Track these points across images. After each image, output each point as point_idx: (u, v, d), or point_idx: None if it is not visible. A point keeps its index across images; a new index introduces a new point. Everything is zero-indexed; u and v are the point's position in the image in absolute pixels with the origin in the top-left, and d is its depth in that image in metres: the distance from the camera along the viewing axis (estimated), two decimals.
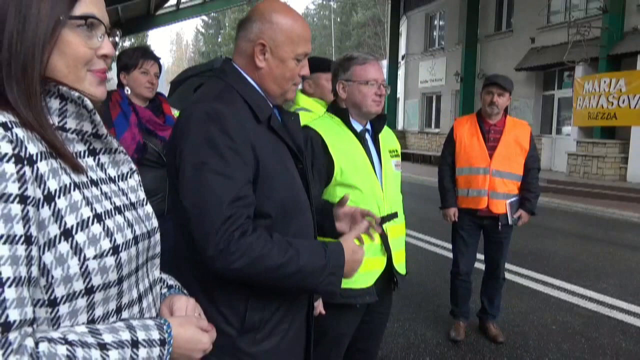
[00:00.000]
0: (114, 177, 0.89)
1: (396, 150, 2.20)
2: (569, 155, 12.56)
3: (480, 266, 3.71)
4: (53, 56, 0.78)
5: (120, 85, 2.52)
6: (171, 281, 1.07)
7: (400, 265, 2.11)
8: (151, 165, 2.44)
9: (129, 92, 2.50)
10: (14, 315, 0.65)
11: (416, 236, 6.54)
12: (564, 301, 4.38)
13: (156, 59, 2.58)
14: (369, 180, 2.00)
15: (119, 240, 0.81)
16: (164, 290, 1.02)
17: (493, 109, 3.30)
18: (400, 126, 22.23)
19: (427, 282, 3.77)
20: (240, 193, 1.16)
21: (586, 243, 6.70)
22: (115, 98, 2.46)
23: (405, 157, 17.64)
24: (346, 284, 1.96)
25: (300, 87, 2.52)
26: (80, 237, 0.76)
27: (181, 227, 1.23)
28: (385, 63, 21.73)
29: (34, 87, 0.75)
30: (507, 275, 5.04)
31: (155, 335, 0.82)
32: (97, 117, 0.84)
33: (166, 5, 18.70)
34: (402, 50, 22.16)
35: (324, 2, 50.37)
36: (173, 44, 75.16)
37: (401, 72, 22.11)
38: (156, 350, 0.81)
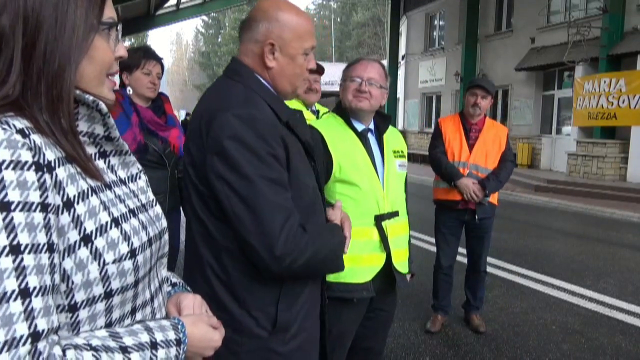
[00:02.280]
0: (124, 178, 0.89)
1: (401, 151, 2.23)
2: (569, 155, 12.57)
3: (464, 260, 3.74)
4: (82, 62, 0.78)
5: (122, 85, 2.52)
6: (174, 279, 1.08)
7: (400, 264, 2.12)
8: (152, 165, 2.45)
9: (131, 92, 2.51)
10: (42, 324, 0.66)
11: (416, 236, 6.54)
12: (564, 301, 4.38)
13: (158, 59, 2.59)
14: (368, 178, 2.02)
15: (136, 243, 0.82)
16: (169, 289, 1.03)
17: (476, 110, 3.51)
18: (400, 126, 22.23)
19: (427, 282, 3.78)
20: (288, 195, 1.21)
21: (586, 243, 6.71)
22: (117, 98, 2.47)
23: None
24: (343, 278, 1.98)
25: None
26: (99, 242, 0.76)
27: (204, 236, 1.25)
28: (385, 63, 21.74)
29: (67, 93, 0.75)
30: (507, 275, 5.08)
31: (172, 335, 0.84)
32: (111, 121, 0.84)
33: (166, 5, 18.71)
34: (402, 50, 22.16)
35: (324, 2, 50.39)
36: (173, 44, 75.18)
37: (401, 72, 22.11)
38: (173, 350, 0.82)
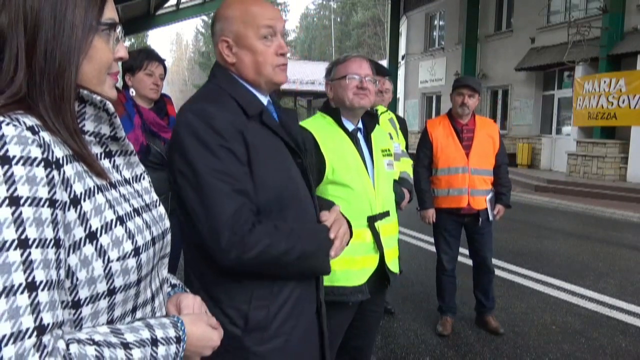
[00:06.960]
0: (129, 179, 0.90)
1: (388, 150, 2.22)
2: (569, 155, 12.58)
3: (468, 262, 3.74)
4: (82, 62, 0.79)
5: (125, 86, 2.53)
6: (174, 280, 1.09)
7: (392, 263, 2.13)
8: (154, 166, 2.46)
9: (134, 93, 2.52)
10: (47, 318, 0.66)
11: (416, 236, 6.56)
12: (564, 301, 4.39)
13: (161, 61, 2.60)
14: (360, 179, 2.01)
15: (140, 242, 0.83)
16: (169, 289, 1.04)
17: (464, 109, 3.46)
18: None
19: (427, 282, 3.80)
20: (239, 187, 1.20)
21: (586, 243, 6.72)
22: (120, 99, 2.47)
23: None
24: (337, 281, 1.97)
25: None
26: (104, 240, 0.77)
27: (180, 234, 1.28)
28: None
29: (69, 93, 0.76)
30: (507, 275, 5.09)
31: (172, 333, 0.85)
32: (117, 121, 0.85)
33: (166, 5, 18.72)
34: (402, 50, 22.16)
35: (324, 2, 50.39)
36: (173, 44, 75.28)
37: (401, 72, 22.11)
38: (173, 348, 0.83)
